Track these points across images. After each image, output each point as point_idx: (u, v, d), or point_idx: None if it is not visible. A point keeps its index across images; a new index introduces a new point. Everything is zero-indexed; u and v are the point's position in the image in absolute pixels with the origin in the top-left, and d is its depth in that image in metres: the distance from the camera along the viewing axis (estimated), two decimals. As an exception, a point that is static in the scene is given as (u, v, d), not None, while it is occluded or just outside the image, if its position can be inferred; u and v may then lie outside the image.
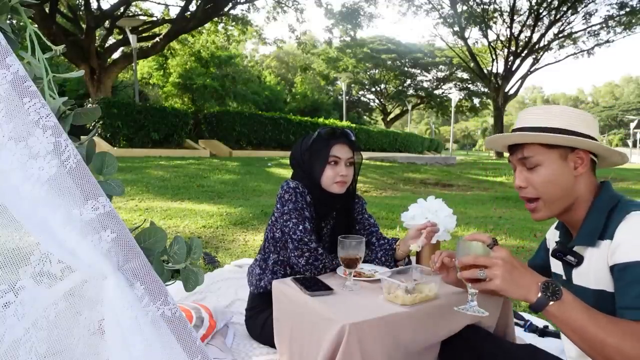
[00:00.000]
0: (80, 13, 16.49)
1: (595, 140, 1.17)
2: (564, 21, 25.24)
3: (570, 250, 1.20)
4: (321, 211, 1.87)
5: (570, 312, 0.99)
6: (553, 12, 24.61)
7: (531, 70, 26.93)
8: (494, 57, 27.03)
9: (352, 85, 37.83)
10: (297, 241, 1.72)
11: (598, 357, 0.97)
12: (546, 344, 2.09)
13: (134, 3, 17.98)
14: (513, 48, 26.00)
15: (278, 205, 1.82)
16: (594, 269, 1.14)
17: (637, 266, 1.01)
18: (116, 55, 17.49)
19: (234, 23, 19.29)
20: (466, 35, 26.44)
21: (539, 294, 1.00)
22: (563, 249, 1.22)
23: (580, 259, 1.18)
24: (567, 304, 0.99)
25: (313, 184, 1.85)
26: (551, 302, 0.99)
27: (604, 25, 24.95)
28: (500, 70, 26.86)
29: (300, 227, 1.74)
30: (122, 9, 16.67)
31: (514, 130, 1.24)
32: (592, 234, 1.13)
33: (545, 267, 1.38)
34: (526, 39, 25.83)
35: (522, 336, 2.16)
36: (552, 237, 1.38)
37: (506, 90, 26.49)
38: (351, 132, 1.92)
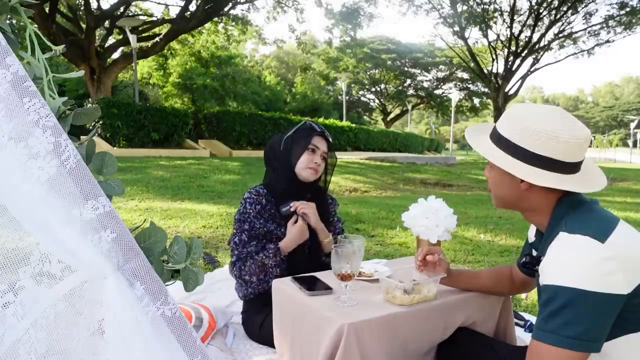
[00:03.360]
0: (80, 13, 16.46)
1: (560, 162, 1.08)
2: (564, 21, 25.17)
3: (538, 260, 1.23)
4: (294, 199, 1.94)
5: None
6: (553, 12, 24.55)
7: (531, 70, 26.87)
8: (494, 57, 26.95)
9: (352, 85, 37.76)
10: (233, 252, 1.90)
11: None
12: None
13: (134, 3, 17.97)
14: (513, 48, 25.92)
15: None
16: None
17: (548, 290, 1.04)
18: (116, 55, 17.45)
19: (234, 23, 19.25)
20: (466, 35, 26.37)
21: None
22: (532, 260, 1.29)
23: None
24: None
25: (287, 170, 1.93)
26: None
27: (604, 25, 24.89)
28: (501, 70, 26.78)
29: (236, 239, 1.88)
30: (122, 9, 16.63)
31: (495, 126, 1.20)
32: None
33: None
34: (526, 39, 25.76)
35: (522, 336, 2.16)
36: (532, 235, 1.39)
37: (506, 90, 26.42)
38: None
